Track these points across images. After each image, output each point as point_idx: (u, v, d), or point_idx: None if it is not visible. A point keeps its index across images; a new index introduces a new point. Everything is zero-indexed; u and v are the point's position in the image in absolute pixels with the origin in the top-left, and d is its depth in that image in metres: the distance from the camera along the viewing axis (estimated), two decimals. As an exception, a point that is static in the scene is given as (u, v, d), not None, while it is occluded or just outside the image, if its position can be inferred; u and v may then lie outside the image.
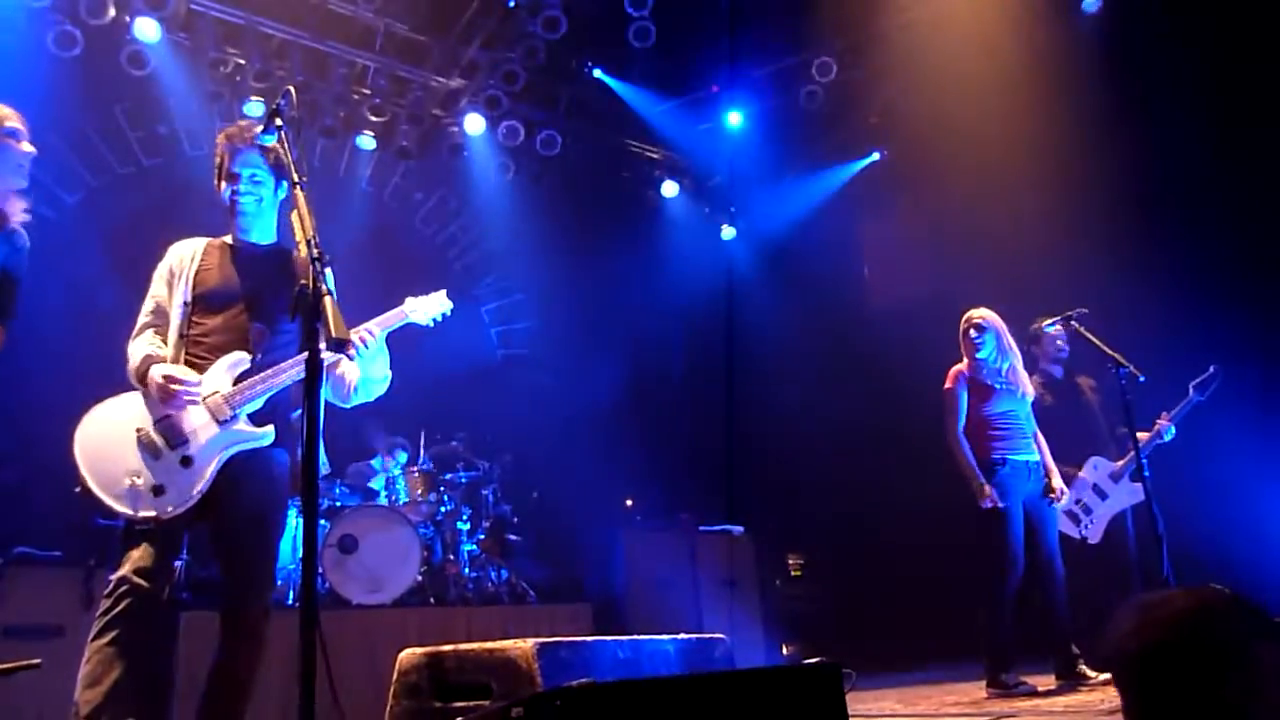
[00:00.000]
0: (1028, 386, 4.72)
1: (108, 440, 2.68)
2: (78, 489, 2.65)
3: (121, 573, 2.65)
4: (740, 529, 6.78)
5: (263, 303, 2.93)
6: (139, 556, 2.66)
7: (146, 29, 5.81)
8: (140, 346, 2.87)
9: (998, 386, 4.62)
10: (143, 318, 2.95)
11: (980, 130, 6.25)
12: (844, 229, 7.86)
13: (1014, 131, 6.08)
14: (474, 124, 6.98)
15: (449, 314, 3.19)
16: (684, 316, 8.10)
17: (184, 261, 2.97)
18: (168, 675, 4.32)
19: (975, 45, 6.22)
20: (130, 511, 2.64)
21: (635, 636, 2.64)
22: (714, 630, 3.50)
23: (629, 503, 7.19)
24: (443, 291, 3.20)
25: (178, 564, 4.81)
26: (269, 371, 2.83)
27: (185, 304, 2.90)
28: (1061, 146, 5.88)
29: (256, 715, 4.21)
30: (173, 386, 2.73)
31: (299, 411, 2.80)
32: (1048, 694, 4.15)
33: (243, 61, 6.20)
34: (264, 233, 3.06)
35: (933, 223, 7.09)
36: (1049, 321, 5.05)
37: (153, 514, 2.65)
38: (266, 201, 3.01)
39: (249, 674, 2.78)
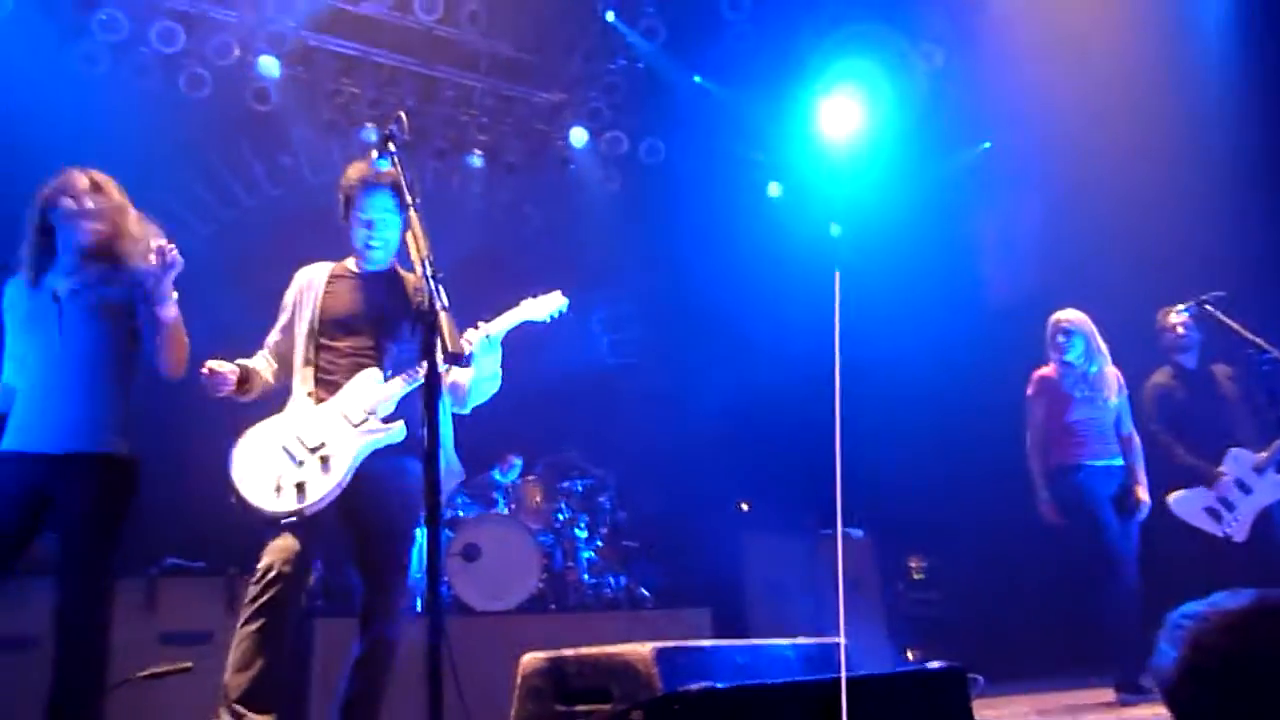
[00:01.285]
0: (1113, 391, 4.58)
1: (257, 453, 2.92)
2: (233, 499, 2.87)
3: (267, 560, 2.84)
4: (860, 532, 6.67)
5: (386, 323, 3.12)
6: (283, 546, 2.87)
7: (269, 66, 6.13)
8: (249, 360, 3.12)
9: (1078, 395, 4.53)
10: (270, 338, 3.18)
11: (1097, 110, 6.00)
12: (954, 224, 7.64)
13: (1132, 109, 5.81)
14: (578, 137, 7.09)
15: (565, 310, 3.34)
16: (793, 317, 8.00)
17: (310, 286, 3.18)
18: (306, 678, 4.53)
19: (1087, 18, 5.98)
20: (277, 508, 2.85)
21: (754, 641, 2.64)
22: (835, 635, 3.45)
23: (744, 506, 7.16)
24: (558, 291, 3.29)
25: (314, 574, 5.03)
26: (397, 380, 3.00)
27: (313, 328, 3.09)
28: (1185, 122, 5.59)
29: (392, 714, 4.37)
30: (210, 384, 2.98)
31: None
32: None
33: (357, 91, 6.47)
34: (386, 261, 3.24)
35: (1048, 214, 6.83)
36: (1182, 307, 4.80)
37: (297, 508, 2.85)
38: (393, 241, 3.18)
39: (384, 679, 2.91)
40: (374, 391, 3.00)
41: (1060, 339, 4.64)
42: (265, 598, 2.80)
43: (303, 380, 3.05)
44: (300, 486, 2.85)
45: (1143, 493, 4.51)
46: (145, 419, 5.19)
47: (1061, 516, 4.56)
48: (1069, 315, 4.69)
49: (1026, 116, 6.77)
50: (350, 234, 3.21)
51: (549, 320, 3.33)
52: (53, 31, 5.61)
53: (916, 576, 7.33)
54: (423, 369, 2.90)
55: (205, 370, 2.99)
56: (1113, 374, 4.70)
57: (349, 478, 2.91)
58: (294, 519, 2.86)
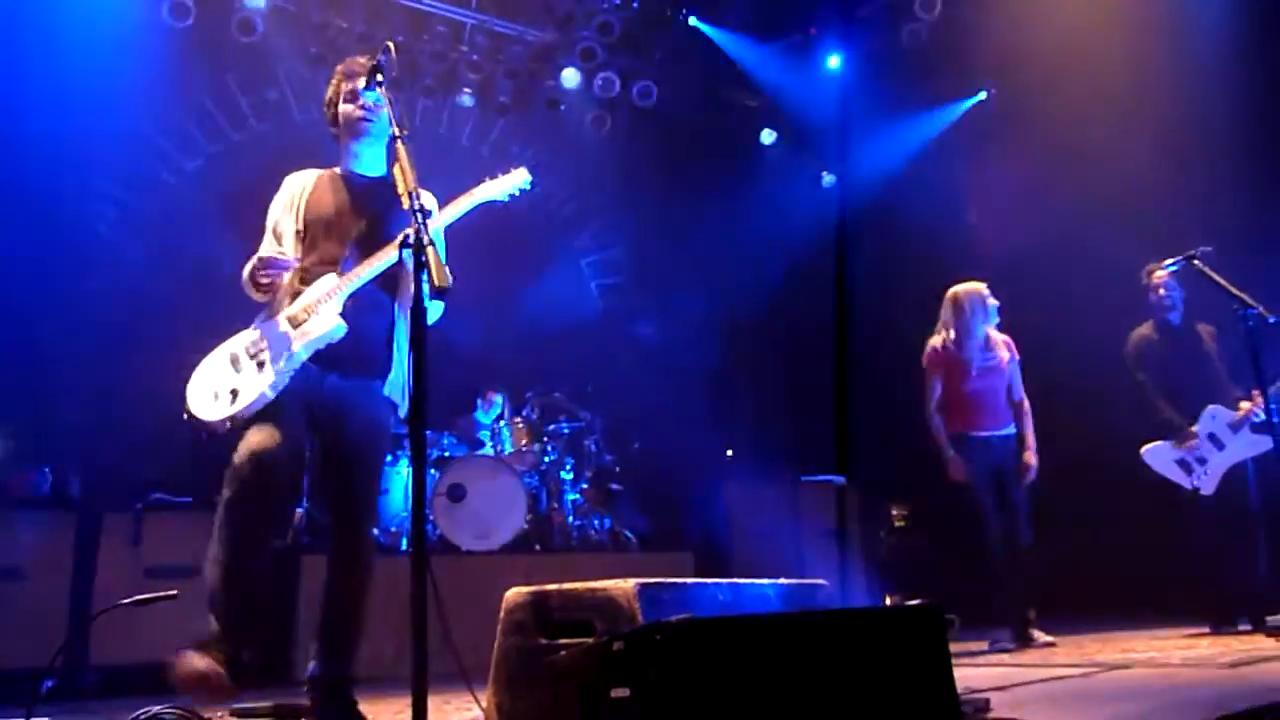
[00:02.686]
0: (1004, 357, 4.78)
1: (207, 372, 2.91)
2: (185, 416, 2.86)
3: (239, 457, 2.77)
4: (843, 479, 6.73)
5: (370, 231, 3.00)
6: (257, 440, 2.78)
7: (252, -5, 5.99)
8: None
9: (973, 363, 4.71)
10: (262, 247, 3.06)
11: (1095, 62, 5.94)
12: (949, 174, 7.60)
13: (1132, 61, 5.75)
14: (570, 77, 6.99)
15: (528, 187, 3.16)
16: (783, 267, 7.98)
17: (297, 191, 3.08)
18: (292, 615, 4.56)
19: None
20: (211, 416, 2.82)
21: (736, 580, 2.66)
22: (816, 579, 3.49)
23: (730, 453, 7.21)
24: (523, 168, 3.16)
25: (299, 510, 5.05)
26: (346, 276, 2.90)
27: (298, 232, 3.01)
28: (1185, 74, 5.54)
29: (374, 655, 4.42)
30: (265, 270, 2.89)
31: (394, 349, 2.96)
32: (1160, 647, 4.03)
33: (345, 25, 6.34)
34: (373, 165, 3.13)
35: (1044, 166, 6.78)
36: (1169, 262, 4.80)
37: (229, 413, 2.80)
38: (380, 133, 3.07)
39: (359, 602, 2.89)
40: (317, 290, 2.90)
41: (946, 313, 4.86)
42: (239, 492, 2.75)
43: (285, 283, 2.95)
44: (234, 392, 2.82)
45: (1031, 458, 4.69)
46: (132, 353, 5.18)
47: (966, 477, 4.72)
48: (962, 289, 4.86)
49: (1024, 66, 6.70)
50: (340, 130, 3.10)
51: (508, 199, 3.17)
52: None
53: (899, 524, 7.42)
54: (364, 267, 2.88)
55: (255, 263, 2.93)
56: (1001, 340, 4.86)
57: (284, 379, 2.83)
58: (229, 424, 2.82)
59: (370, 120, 3.02)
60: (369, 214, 3.03)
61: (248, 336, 2.93)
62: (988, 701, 2.55)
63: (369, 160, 3.12)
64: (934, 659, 1.99)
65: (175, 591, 2.61)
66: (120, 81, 5.63)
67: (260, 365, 2.86)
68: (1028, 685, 3.09)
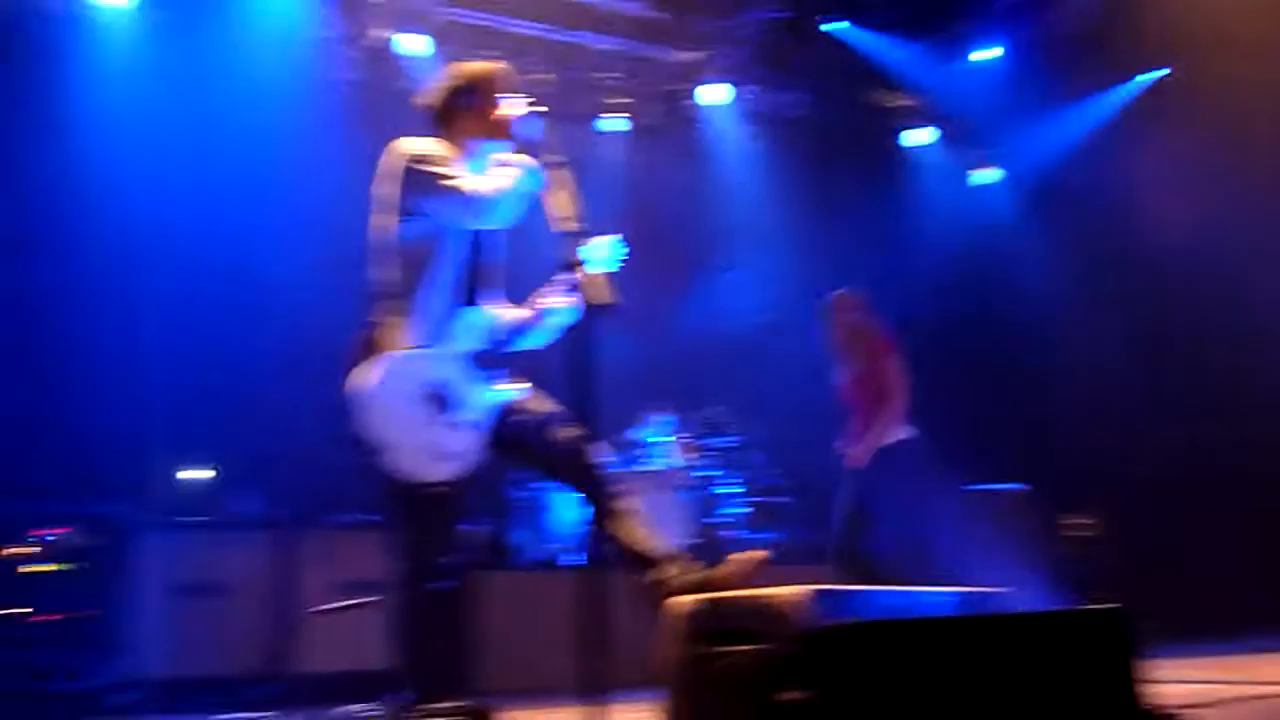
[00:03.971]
0: None
1: (395, 406, 2.74)
2: (373, 457, 2.73)
3: (415, 543, 2.83)
4: (1020, 487, 6.45)
5: (490, 244, 2.98)
6: (438, 530, 2.83)
7: (412, 43, 6.36)
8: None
9: None
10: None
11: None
12: (1117, 162, 7.20)
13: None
14: (716, 94, 7.04)
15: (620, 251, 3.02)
16: (945, 267, 7.74)
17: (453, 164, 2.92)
18: (468, 633, 4.75)
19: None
20: (431, 478, 2.75)
21: (910, 588, 2.60)
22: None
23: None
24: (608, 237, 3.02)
25: (477, 529, 5.26)
26: (510, 328, 2.96)
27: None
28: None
29: (547, 669, 4.55)
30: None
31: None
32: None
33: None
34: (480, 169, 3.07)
35: (1220, 149, 6.33)
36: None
37: (448, 478, 2.77)
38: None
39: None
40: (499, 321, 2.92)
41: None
42: (437, 582, 2.83)
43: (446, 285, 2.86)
44: (450, 456, 2.76)
45: None
46: (326, 386, 5.56)
47: None
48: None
49: (1197, 45, 6.29)
50: (481, 126, 3.00)
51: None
52: (216, 30, 5.98)
53: (1084, 534, 7.03)
54: (546, 300, 2.95)
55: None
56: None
57: (490, 436, 2.84)
58: (445, 489, 2.80)
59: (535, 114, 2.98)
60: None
61: (423, 369, 2.81)
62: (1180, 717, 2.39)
63: (479, 166, 3.03)
64: (1120, 667, 1.89)
65: (375, 598, 2.75)
66: (296, 134, 6.08)
67: (467, 422, 2.81)
68: (1231, 703, 2.88)
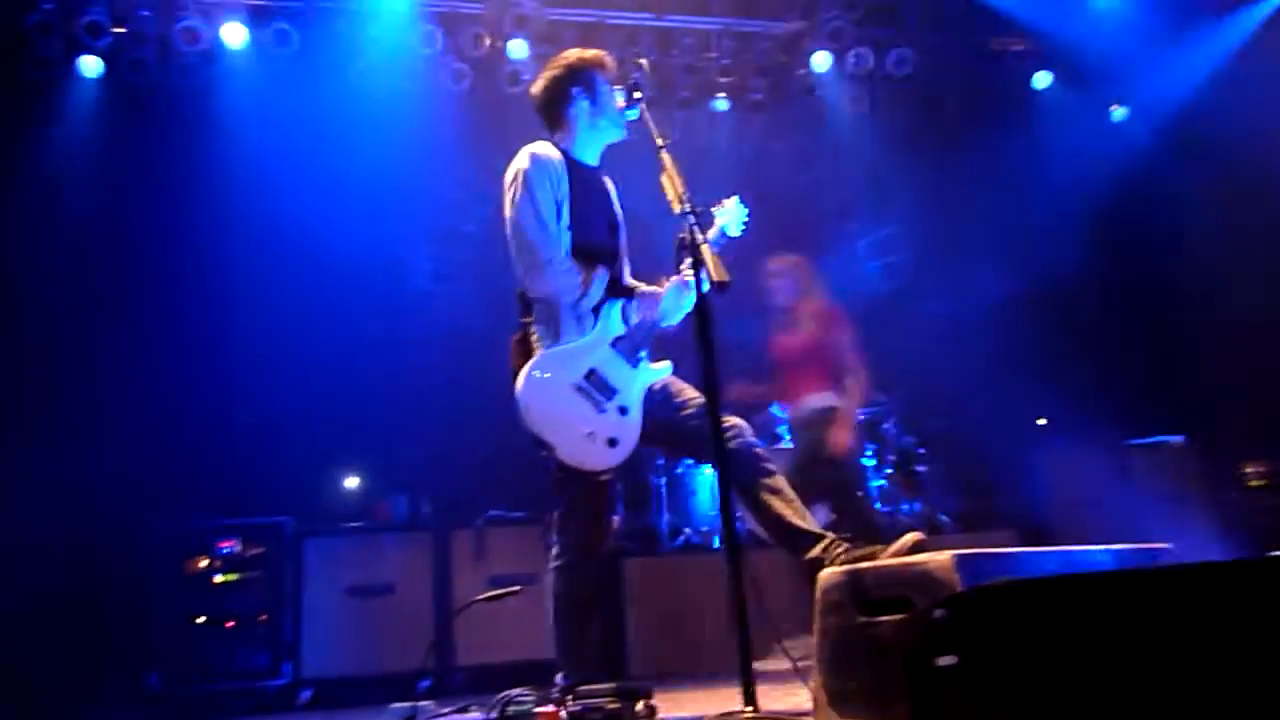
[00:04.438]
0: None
1: (553, 403, 2.85)
2: (544, 452, 2.85)
3: (571, 535, 2.96)
4: (1181, 438, 6.09)
5: (612, 229, 3.10)
6: (589, 517, 2.97)
7: (517, 49, 6.47)
8: (576, 267, 2.95)
9: None
10: (550, 238, 2.95)
11: None
12: (1265, 86, 6.67)
13: None
14: (822, 61, 6.90)
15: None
16: (1080, 216, 7.36)
17: (556, 176, 3.02)
18: (620, 618, 4.83)
19: None
20: (598, 466, 2.87)
21: (1065, 548, 2.50)
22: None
23: (1042, 422, 6.74)
24: (733, 198, 3.16)
25: (616, 517, 5.36)
26: (653, 309, 3.01)
27: (567, 227, 3.00)
28: None
29: (701, 647, 4.58)
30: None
31: None
32: None
33: (601, 56, 6.67)
34: (594, 155, 3.19)
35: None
36: None
37: (614, 464, 2.89)
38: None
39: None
40: (631, 307, 2.99)
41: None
42: (573, 566, 2.98)
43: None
44: (612, 442, 2.84)
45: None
46: (461, 388, 5.77)
47: None
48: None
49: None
50: (590, 113, 3.08)
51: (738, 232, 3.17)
52: (334, 56, 6.24)
53: (1254, 484, 6.59)
54: (675, 305, 2.98)
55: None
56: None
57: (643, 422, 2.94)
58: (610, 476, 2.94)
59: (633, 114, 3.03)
60: (610, 210, 3.17)
61: (574, 362, 2.90)
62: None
63: (593, 153, 3.18)
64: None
65: (519, 588, 2.85)
66: (418, 148, 6.30)
67: (624, 410, 2.90)
68: None
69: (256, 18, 6.06)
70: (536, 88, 3.21)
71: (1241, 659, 1.63)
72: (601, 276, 2.95)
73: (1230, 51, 6.70)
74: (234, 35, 6.00)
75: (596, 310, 2.96)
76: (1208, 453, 6.26)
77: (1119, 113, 7.42)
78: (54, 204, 5.72)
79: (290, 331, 5.73)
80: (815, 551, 2.78)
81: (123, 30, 5.86)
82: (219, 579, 4.93)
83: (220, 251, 6.04)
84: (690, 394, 2.99)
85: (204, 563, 4.93)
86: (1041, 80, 7.38)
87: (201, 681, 4.80)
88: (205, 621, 4.87)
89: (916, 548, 2.59)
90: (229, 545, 4.96)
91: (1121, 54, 7.03)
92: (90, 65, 5.92)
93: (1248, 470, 6.62)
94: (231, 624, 4.89)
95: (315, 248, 5.98)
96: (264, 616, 4.90)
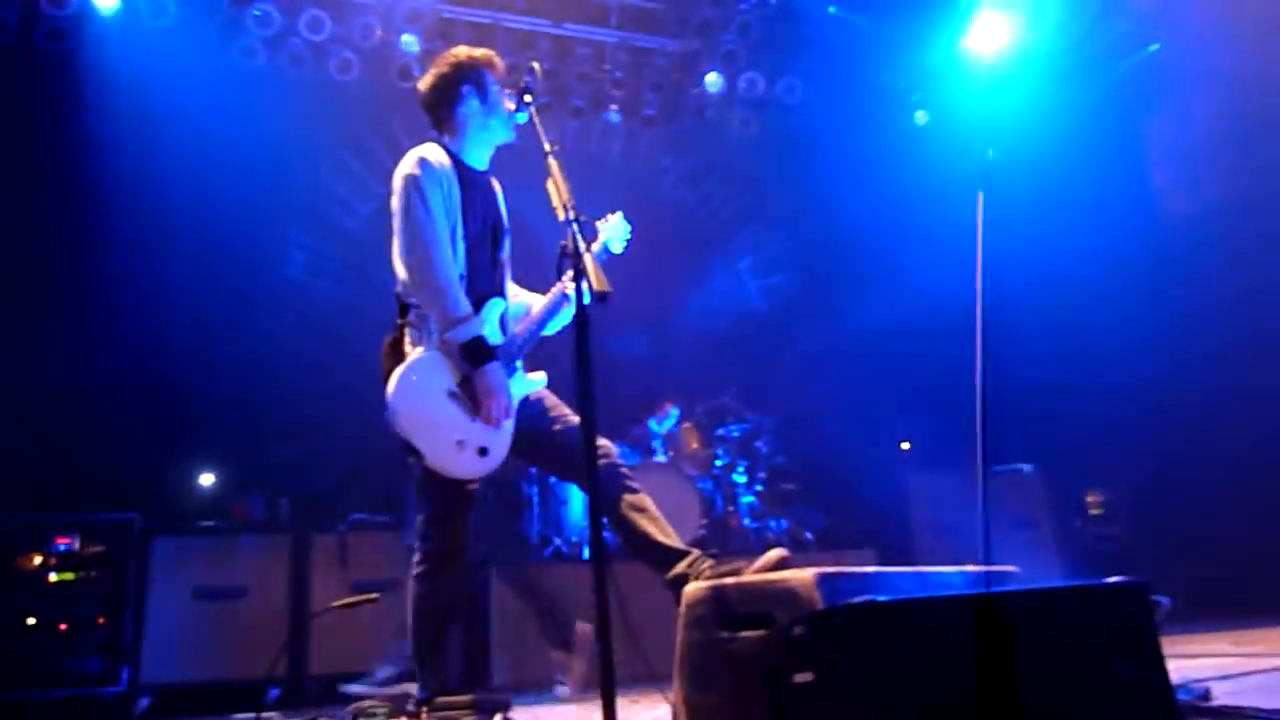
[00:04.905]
0: None
1: (424, 408, 2.80)
2: (412, 457, 2.80)
3: (434, 542, 2.89)
4: (1030, 467, 6.41)
5: (495, 236, 3.06)
6: (454, 524, 2.90)
7: (409, 43, 6.33)
8: (462, 299, 2.86)
9: None
10: (445, 258, 2.86)
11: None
12: (1119, 136, 7.11)
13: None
14: (714, 82, 7.01)
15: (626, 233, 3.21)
16: (947, 249, 7.68)
17: (446, 184, 2.95)
18: (483, 628, 4.75)
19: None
20: (466, 475, 2.83)
21: (920, 569, 2.59)
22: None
23: (905, 445, 7.00)
24: (618, 214, 3.19)
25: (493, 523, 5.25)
26: (531, 319, 3.00)
27: (462, 237, 2.94)
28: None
29: (556, 662, 4.53)
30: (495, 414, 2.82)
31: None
32: None
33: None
34: (482, 160, 3.14)
35: (1225, 117, 6.25)
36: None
37: (482, 473, 2.85)
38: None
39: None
40: (510, 314, 2.99)
41: None
42: (434, 572, 2.94)
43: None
44: (483, 451, 2.81)
45: None
46: (328, 386, 5.58)
47: None
48: None
49: (1200, 13, 6.22)
50: (480, 113, 3.04)
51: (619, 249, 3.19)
52: (212, 32, 5.97)
53: (1094, 512, 6.99)
54: (549, 313, 2.97)
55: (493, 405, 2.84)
56: None
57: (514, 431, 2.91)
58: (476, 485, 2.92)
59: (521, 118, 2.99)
60: (493, 214, 3.12)
61: (448, 369, 2.84)
62: (1208, 690, 2.38)
63: (482, 156, 3.13)
64: (1141, 642, 1.87)
65: (376, 595, 2.77)
66: (296, 137, 6.09)
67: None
68: (1252, 675, 2.85)
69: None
70: (425, 84, 3.14)
71: (1080, 677, 1.72)
72: (492, 307, 2.95)
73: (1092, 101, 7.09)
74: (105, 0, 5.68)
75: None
76: (1054, 481, 6.60)
77: (990, 153, 7.77)
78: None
79: (150, 312, 5.45)
80: (680, 567, 2.80)
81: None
82: (54, 578, 4.60)
83: (78, 226, 5.68)
84: (563, 410, 2.98)
85: (37, 560, 4.60)
86: (922, 117, 7.69)
87: (32, 687, 4.46)
88: (36, 624, 4.53)
89: (781, 564, 2.63)
90: (66, 542, 4.63)
91: (993, 97, 7.38)
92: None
93: (1088, 499, 7.03)
94: (65, 626, 4.57)
95: (182, 230, 5.71)
96: (102, 619, 4.60)
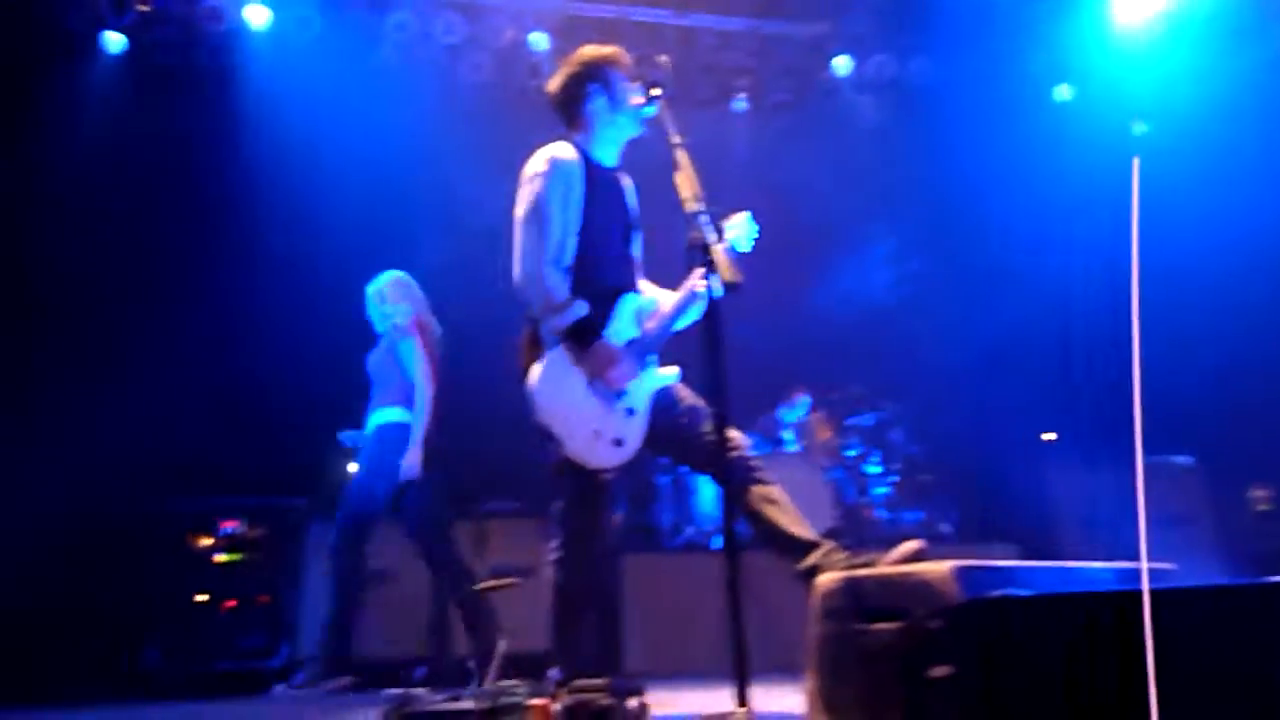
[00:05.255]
0: None
1: (564, 398, 2.86)
2: (550, 445, 2.86)
3: (570, 529, 2.95)
4: (1189, 459, 6.07)
5: (626, 232, 3.09)
6: (589, 513, 2.96)
7: (538, 41, 6.48)
8: (560, 288, 2.90)
9: None
10: (546, 241, 2.91)
11: None
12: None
13: None
14: (843, 66, 6.89)
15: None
16: (1092, 231, 7.32)
17: (572, 181, 2.98)
18: (617, 614, 4.83)
19: None
20: (602, 464, 2.88)
21: (1065, 564, 2.50)
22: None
23: (1051, 437, 6.72)
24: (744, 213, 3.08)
25: (618, 514, 5.36)
26: (662, 315, 3.01)
27: (576, 233, 2.96)
28: None
29: (696, 650, 4.58)
30: (616, 380, 2.87)
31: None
32: None
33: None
34: (613, 154, 3.16)
35: None
36: None
37: (617, 464, 2.90)
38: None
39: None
40: (652, 319, 3.00)
41: None
42: (577, 560, 2.96)
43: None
44: (618, 442, 2.85)
45: None
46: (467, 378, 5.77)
47: None
48: None
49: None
50: (608, 109, 3.06)
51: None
52: (354, 41, 6.25)
53: (1260, 508, 6.56)
54: (683, 307, 2.98)
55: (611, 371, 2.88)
56: None
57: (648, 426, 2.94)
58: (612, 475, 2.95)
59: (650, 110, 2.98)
60: (626, 211, 3.15)
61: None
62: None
63: (611, 152, 3.15)
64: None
65: (516, 580, 2.85)
66: (436, 138, 6.30)
67: (630, 412, 2.90)
68: None
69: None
70: (553, 85, 3.20)
71: (1237, 681, 1.63)
72: (626, 302, 3.00)
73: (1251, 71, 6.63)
74: (257, 16, 6.04)
75: (609, 312, 2.96)
76: (1215, 474, 6.22)
77: (1139, 127, 7.37)
78: (71, 176, 5.75)
79: (316, 313, 5.72)
80: (813, 558, 2.78)
81: (146, 8, 5.90)
82: (220, 558, 4.95)
83: (238, 231, 6.05)
84: (696, 404, 3.00)
85: (206, 542, 4.95)
86: (1060, 94, 7.35)
87: (200, 659, 4.82)
88: (206, 601, 4.89)
89: (916, 556, 2.58)
90: (232, 525, 4.97)
91: (1142, 69, 7.00)
92: (114, 40, 5.97)
93: (1257, 494, 6.60)
94: (233, 603, 4.91)
95: (334, 230, 5.98)
96: (265, 597, 4.92)
